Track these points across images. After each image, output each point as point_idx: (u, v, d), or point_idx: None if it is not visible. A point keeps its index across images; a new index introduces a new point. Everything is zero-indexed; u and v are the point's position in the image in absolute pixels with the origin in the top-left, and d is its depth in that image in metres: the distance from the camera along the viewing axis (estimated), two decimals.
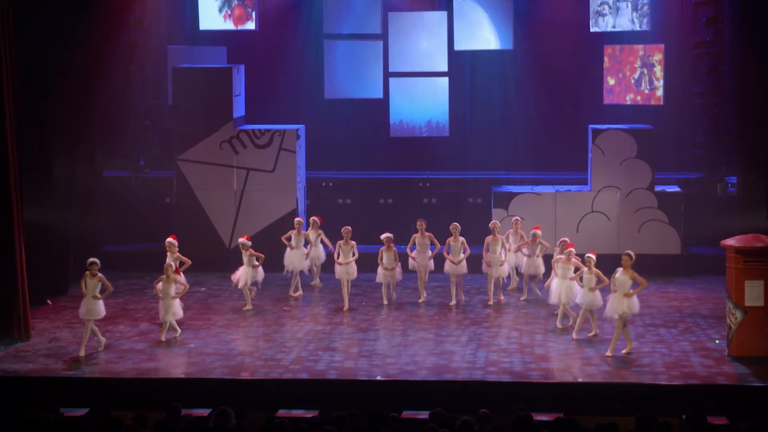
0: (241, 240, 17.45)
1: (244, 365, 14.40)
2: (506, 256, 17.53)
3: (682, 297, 17.98)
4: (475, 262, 17.56)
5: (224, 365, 14.40)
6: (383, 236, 17.08)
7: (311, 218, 18.57)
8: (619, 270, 14.69)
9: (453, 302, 17.19)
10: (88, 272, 14.96)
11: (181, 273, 16.20)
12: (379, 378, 13.84)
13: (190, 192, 20.13)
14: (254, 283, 17.27)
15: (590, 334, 15.47)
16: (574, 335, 15.39)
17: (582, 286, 15.30)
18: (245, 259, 17.24)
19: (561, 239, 16.53)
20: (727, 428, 11.30)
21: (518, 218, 18.27)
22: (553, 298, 16.08)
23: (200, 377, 14.00)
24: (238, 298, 17.87)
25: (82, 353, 14.75)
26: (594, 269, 15.15)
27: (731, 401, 13.15)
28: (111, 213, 19.99)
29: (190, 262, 16.59)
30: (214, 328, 16.21)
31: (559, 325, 15.97)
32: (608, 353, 14.55)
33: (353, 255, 17.11)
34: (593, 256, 15.29)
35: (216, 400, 12.08)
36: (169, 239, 16.69)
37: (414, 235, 17.37)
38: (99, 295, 14.93)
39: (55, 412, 11.06)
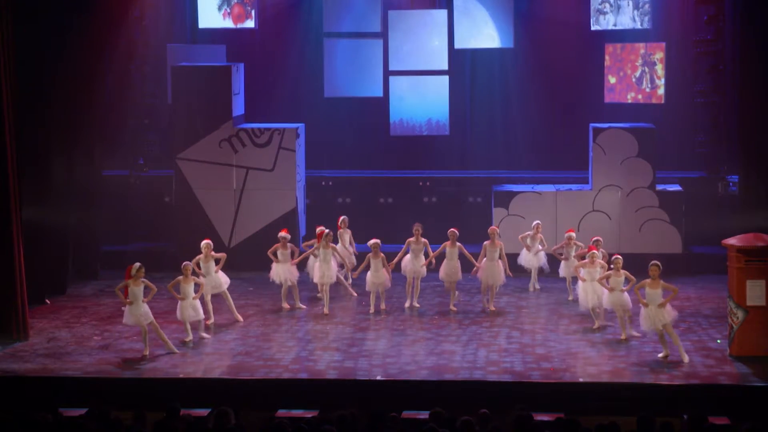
0: (283, 234, 17.20)
1: (244, 365, 14.35)
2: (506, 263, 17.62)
3: (683, 296, 17.88)
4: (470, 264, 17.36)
5: (224, 365, 14.36)
6: (370, 242, 16.81)
7: (343, 218, 18.32)
8: (647, 282, 14.52)
9: (452, 307, 16.94)
10: (131, 279, 14.75)
11: (221, 271, 16.18)
12: (379, 378, 13.80)
13: (189, 191, 20.08)
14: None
15: (621, 337, 15.37)
16: (622, 336, 15.23)
17: (610, 289, 15.15)
18: (282, 253, 17.01)
19: (614, 256, 15.59)
20: (728, 428, 11.25)
21: (539, 222, 18.20)
22: (583, 303, 15.94)
23: (200, 377, 13.96)
24: (238, 297, 17.82)
25: (146, 352, 14.72)
26: (622, 270, 15.04)
27: (733, 401, 13.13)
28: (110, 212, 19.93)
29: (225, 255, 16.49)
30: (214, 328, 16.15)
31: (597, 324, 15.85)
32: (685, 359, 14.33)
33: (333, 258, 16.88)
34: (620, 257, 15.20)
35: (215, 400, 12.06)
36: (206, 241, 16.44)
37: (409, 239, 17.05)
38: (146, 298, 14.84)
39: (54, 412, 11.04)
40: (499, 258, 16.83)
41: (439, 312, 16.90)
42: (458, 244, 16.80)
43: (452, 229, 16.90)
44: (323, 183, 21.15)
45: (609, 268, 15.53)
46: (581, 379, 13.76)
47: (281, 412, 12.33)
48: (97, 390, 13.59)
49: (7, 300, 15.52)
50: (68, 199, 18.44)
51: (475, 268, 16.85)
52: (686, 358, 14.30)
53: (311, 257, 17.58)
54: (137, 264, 14.95)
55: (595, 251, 15.97)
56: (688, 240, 19.72)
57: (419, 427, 10.12)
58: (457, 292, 17.21)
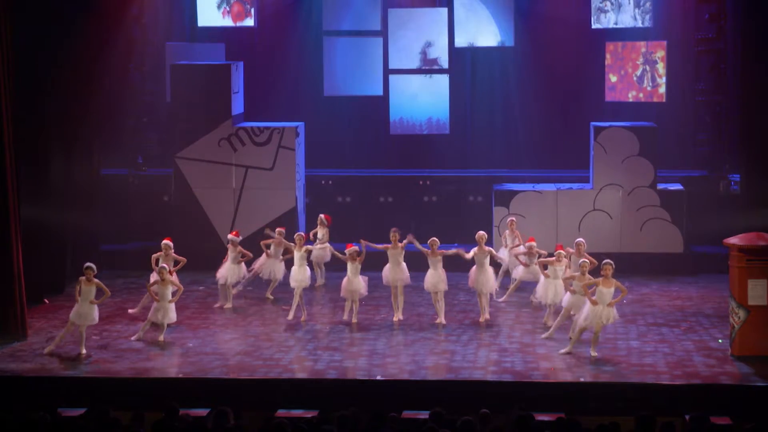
0: (231, 236, 17.26)
1: (243, 365, 14.30)
2: (507, 254, 17.41)
3: (684, 296, 17.88)
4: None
5: (223, 365, 14.31)
6: (347, 250, 16.02)
7: (319, 216, 18.32)
8: (599, 280, 14.35)
9: (439, 320, 16.03)
10: (83, 277, 14.82)
11: (175, 273, 16.02)
12: (379, 378, 13.74)
13: (188, 190, 20.02)
14: (239, 283, 17.25)
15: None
16: (547, 335, 15.14)
17: (572, 291, 14.97)
18: (231, 255, 17.08)
19: (582, 259, 15.35)
20: (730, 428, 11.23)
21: (513, 218, 18.11)
22: (543, 298, 15.85)
23: (198, 377, 13.90)
24: (237, 296, 17.75)
25: (82, 350, 14.68)
26: (587, 275, 14.73)
27: (734, 401, 13.07)
28: (109, 211, 19.87)
29: (185, 260, 16.48)
30: (213, 328, 16.12)
31: (548, 323, 15.81)
32: (595, 353, 14.36)
33: (306, 262, 16.40)
34: (588, 261, 14.96)
35: (214, 400, 12.03)
36: (166, 241, 16.56)
37: (386, 246, 16.24)
38: (95, 300, 14.83)
39: (53, 412, 11.00)
40: (490, 264, 16.14)
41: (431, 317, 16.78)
42: (440, 252, 15.99)
43: (433, 238, 16.06)
44: (323, 182, 21.08)
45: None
46: (582, 379, 13.71)
47: (281, 412, 12.29)
48: (96, 390, 13.53)
49: (6, 299, 15.46)
50: (67, 198, 18.38)
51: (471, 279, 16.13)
52: (596, 354, 14.30)
53: (264, 255, 17.40)
54: (89, 264, 14.97)
55: (561, 251, 15.80)
56: (689, 239, 19.66)
57: (419, 427, 10.08)
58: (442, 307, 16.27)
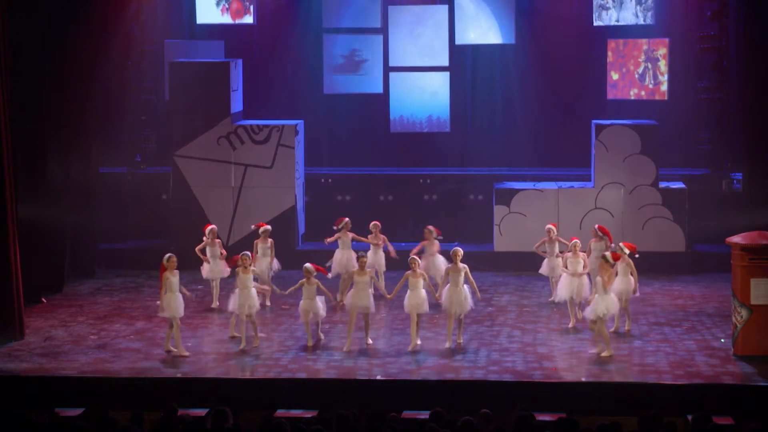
0: (265, 228, 17.06)
1: (243, 365, 14.22)
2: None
3: (686, 295, 17.81)
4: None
5: (222, 364, 14.23)
6: (305, 266, 14.82)
7: (345, 220, 17.87)
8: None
9: (411, 347, 14.69)
10: (167, 270, 14.43)
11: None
12: (379, 378, 13.67)
13: (187, 189, 19.94)
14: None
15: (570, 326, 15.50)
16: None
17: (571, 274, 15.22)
18: (261, 247, 16.91)
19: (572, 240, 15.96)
20: (732, 428, 11.19)
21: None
22: (564, 294, 15.76)
23: (197, 377, 13.84)
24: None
25: (185, 353, 14.42)
26: (627, 258, 15.03)
27: (737, 401, 13.02)
28: (107, 210, 19.80)
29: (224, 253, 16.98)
30: (212, 327, 16.04)
31: (579, 317, 15.68)
32: (610, 353, 14.33)
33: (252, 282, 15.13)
34: (624, 246, 15.25)
35: (213, 400, 11.98)
36: (211, 227, 16.96)
37: (353, 271, 15.21)
38: (180, 291, 14.60)
39: (50, 412, 10.97)
40: (465, 282, 14.77)
41: (440, 311, 16.68)
42: (421, 272, 14.78)
43: (413, 256, 15.00)
44: (323, 180, 21.02)
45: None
46: (583, 379, 13.64)
47: (280, 412, 12.25)
48: (94, 390, 13.46)
49: (4, 299, 15.40)
50: (65, 197, 18.33)
51: (438, 293, 15.25)
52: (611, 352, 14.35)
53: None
54: (171, 254, 14.58)
55: (577, 240, 15.81)
56: (691, 238, 19.59)
57: (419, 427, 10.03)
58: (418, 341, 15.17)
